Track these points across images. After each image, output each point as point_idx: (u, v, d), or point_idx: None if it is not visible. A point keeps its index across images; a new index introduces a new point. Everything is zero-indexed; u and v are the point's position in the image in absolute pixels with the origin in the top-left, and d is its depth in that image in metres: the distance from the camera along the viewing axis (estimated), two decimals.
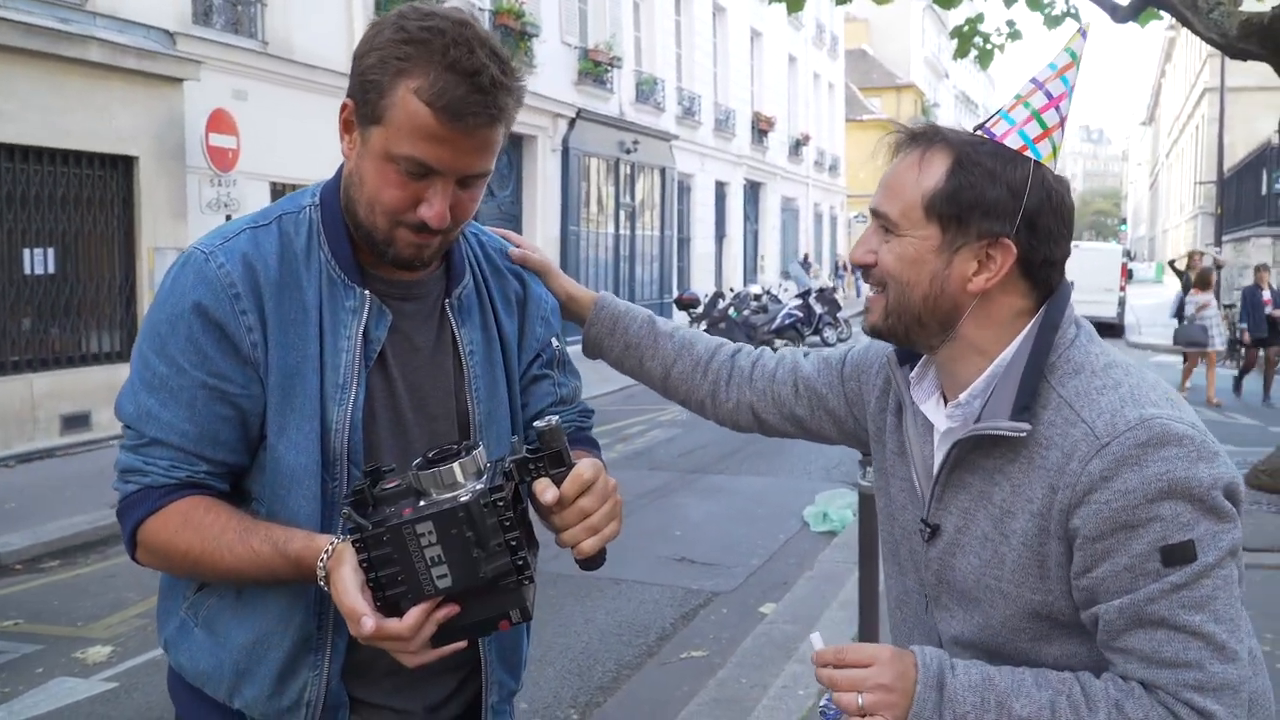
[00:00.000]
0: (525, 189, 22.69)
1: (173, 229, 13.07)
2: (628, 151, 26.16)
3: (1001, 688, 1.55)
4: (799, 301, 23.84)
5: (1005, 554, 1.61)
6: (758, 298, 23.26)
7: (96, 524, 8.67)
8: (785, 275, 36.76)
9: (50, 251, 11.89)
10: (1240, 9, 9.44)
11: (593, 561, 1.71)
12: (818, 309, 24.78)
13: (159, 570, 1.89)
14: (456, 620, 1.60)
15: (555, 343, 2.14)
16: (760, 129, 36.81)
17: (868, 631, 5.66)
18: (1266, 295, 17.02)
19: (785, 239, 41.52)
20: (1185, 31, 15.51)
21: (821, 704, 1.80)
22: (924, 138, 1.69)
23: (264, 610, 1.83)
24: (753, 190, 37.71)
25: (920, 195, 1.64)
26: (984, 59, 13.49)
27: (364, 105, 1.73)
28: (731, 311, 21.77)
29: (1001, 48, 13.47)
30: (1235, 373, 18.18)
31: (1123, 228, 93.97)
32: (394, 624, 1.55)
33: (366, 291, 1.83)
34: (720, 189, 34.09)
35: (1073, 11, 12.36)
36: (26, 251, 11.64)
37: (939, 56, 70.09)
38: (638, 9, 28.00)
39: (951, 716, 1.54)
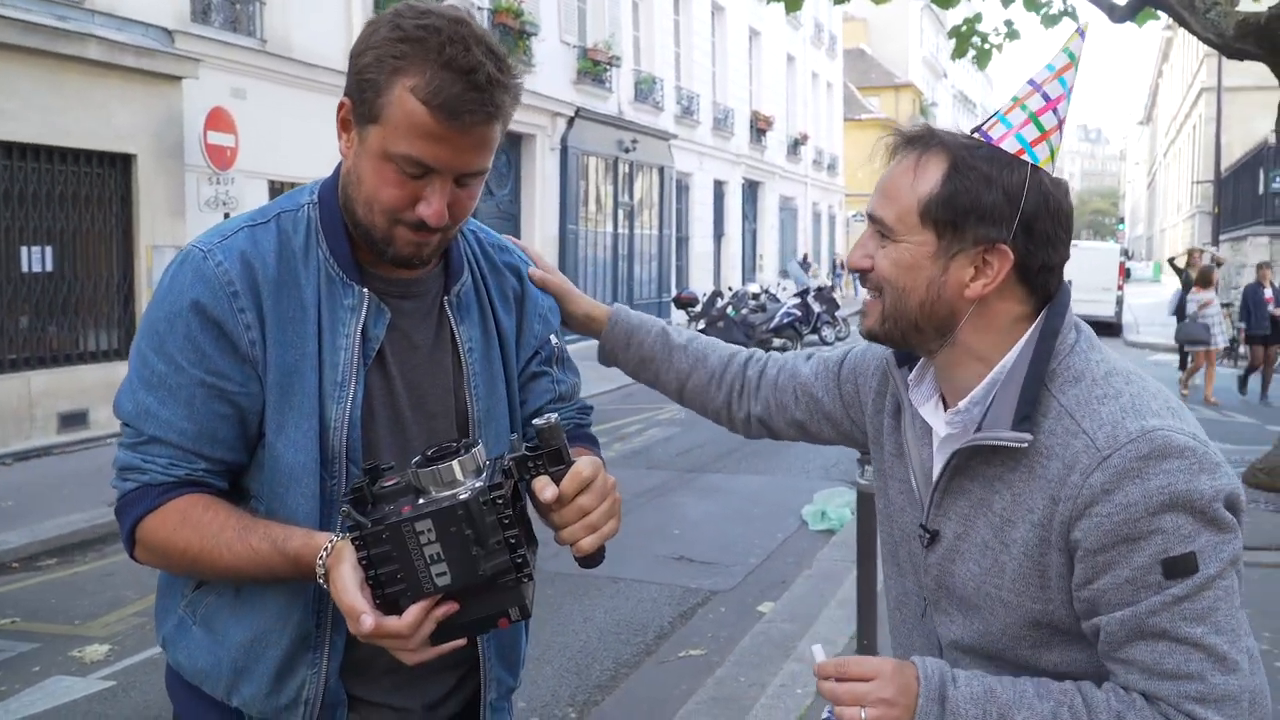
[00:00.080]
0: (524, 188, 22.69)
1: (171, 227, 13.07)
2: (626, 150, 26.16)
3: (1003, 700, 1.54)
4: (797, 300, 23.84)
5: (1005, 563, 1.61)
6: (756, 297, 23.26)
7: (94, 522, 8.67)
8: (783, 274, 36.79)
9: (48, 249, 11.88)
10: (1237, 9, 9.44)
11: (592, 559, 1.71)
12: (816, 308, 24.79)
13: (157, 568, 1.89)
14: (456, 618, 1.60)
15: (554, 339, 2.13)
16: (759, 128, 36.81)
17: (866, 630, 5.66)
18: (1268, 293, 16.95)
19: (783, 238, 41.52)
20: (1182, 31, 15.51)
21: (824, 716, 1.80)
22: (920, 141, 1.67)
23: (262, 608, 1.83)
24: (751, 189, 37.71)
25: (916, 201, 1.63)
26: (982, 59, 13.50)
27: (361, 104, 1.72)
28: (730, 310, 21.78)
29: (999, 47, 13.48)
30: (1233, 371, 18.19)
31: (1120, 227, 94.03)
32: (393, 622, 1.55)
33: (365, 289, 1.83)
34: (718, 188, 34.09)
35: (1070, 11, 12.38)
36: (24, 249, 11.63)
37: (937, 56, 70.10)
38: (636, 8, 27.99)
39: None
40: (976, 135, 1.66)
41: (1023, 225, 1.59)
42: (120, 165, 12.61)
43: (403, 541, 1.54)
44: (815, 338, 25.09)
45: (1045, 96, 1.65)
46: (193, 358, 1.75)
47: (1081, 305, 26.87)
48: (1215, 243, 28.18)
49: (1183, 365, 18.41)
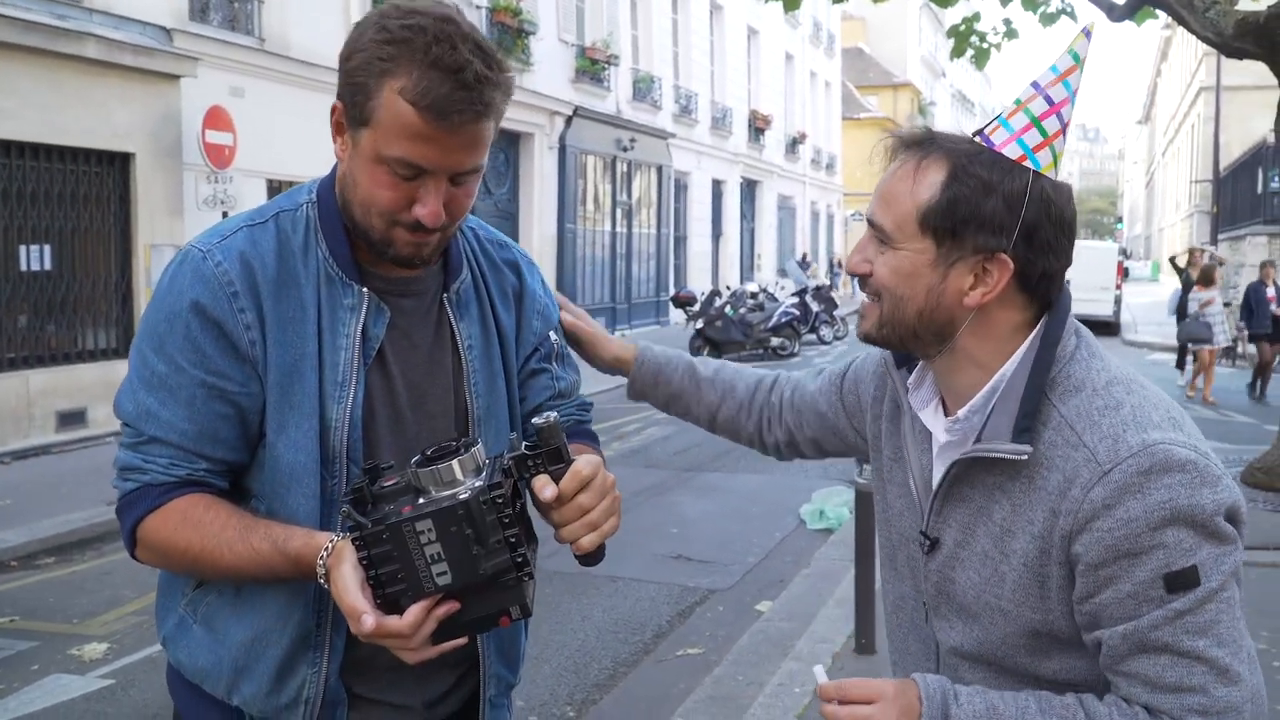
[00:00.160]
0: (522, 187, 22.68)
1: (169, 226, 13.06)
2: (624, 149, 26.16)
3: (1006, 717, 1.54)
4: (795, 300, 23.82)
5: (1005, 573, 1.60)
6: (754, 296, 23.20)
7: (92, 521, 8.67)
8: (782, 273, 36.78)
9: (47, 248, 11.87)
10: (1236, 8, 9.44)
11: (592, 557, 1.71)
12: (814, 307, 24.80)
13: (158, 568, 1.89)
14: (456, 617, 1.60)
15: (553, 336, 2.13)
16: (757, 127, 36.81)
17: (864, 629, 5.67)
18: (1271, 292, 16.87)
19: (782, 237, 41.53)
20: (1181, 30, 15.53)
21: None
22: (919, 145, 1.64)
23: (263, 607, 1.83)
24: (749, 188, 37.71)
25: (914, 208, 1.60)
26: (980, 59, 13.51)
27: (352, 108, 1.72)
28: (728, 310, 21.73)
29: (998, 47, 13.49)
30: (1231, 370, 18.15)
31: (1119, 226, 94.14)
32: (394, 621, 1.55)
33: (364, 289, 1.83)
34: (717, 187, 34.09)
35: (1068, 10, 12.39)
36: (23, 248, 11.62)
37: (936, 55, 70.10)
38: (635, 7, 27.99)
39: None
40: (978, 139, 1.63)
41: (1023, 234, 1.57)
42: (119, 164, 12.60)
43: (403, 541, 1.55)
44: (813, 337, 25.11)
45: (1049, 100, 1.62)
46: (193, 358, 1.75)
47: (1080, 304, 26.28)
48: (1214, 242, 28.18)
49: (1180, 365, 18.40)
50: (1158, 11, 10.59)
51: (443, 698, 1.99)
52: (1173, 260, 22.56)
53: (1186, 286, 18.02)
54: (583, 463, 1.68)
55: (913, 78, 63.01)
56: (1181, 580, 1.45)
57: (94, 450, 11.53)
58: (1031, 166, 1.58)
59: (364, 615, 1.54)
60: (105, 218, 12.54)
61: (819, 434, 2.17)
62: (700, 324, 21.34)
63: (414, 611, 1.56)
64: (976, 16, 13.30)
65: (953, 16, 13.22)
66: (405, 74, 1.64)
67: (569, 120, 23.55)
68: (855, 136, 50.48)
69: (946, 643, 1.74)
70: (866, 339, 1.73)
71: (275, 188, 14.73)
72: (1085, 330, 1.68)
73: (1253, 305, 16.73)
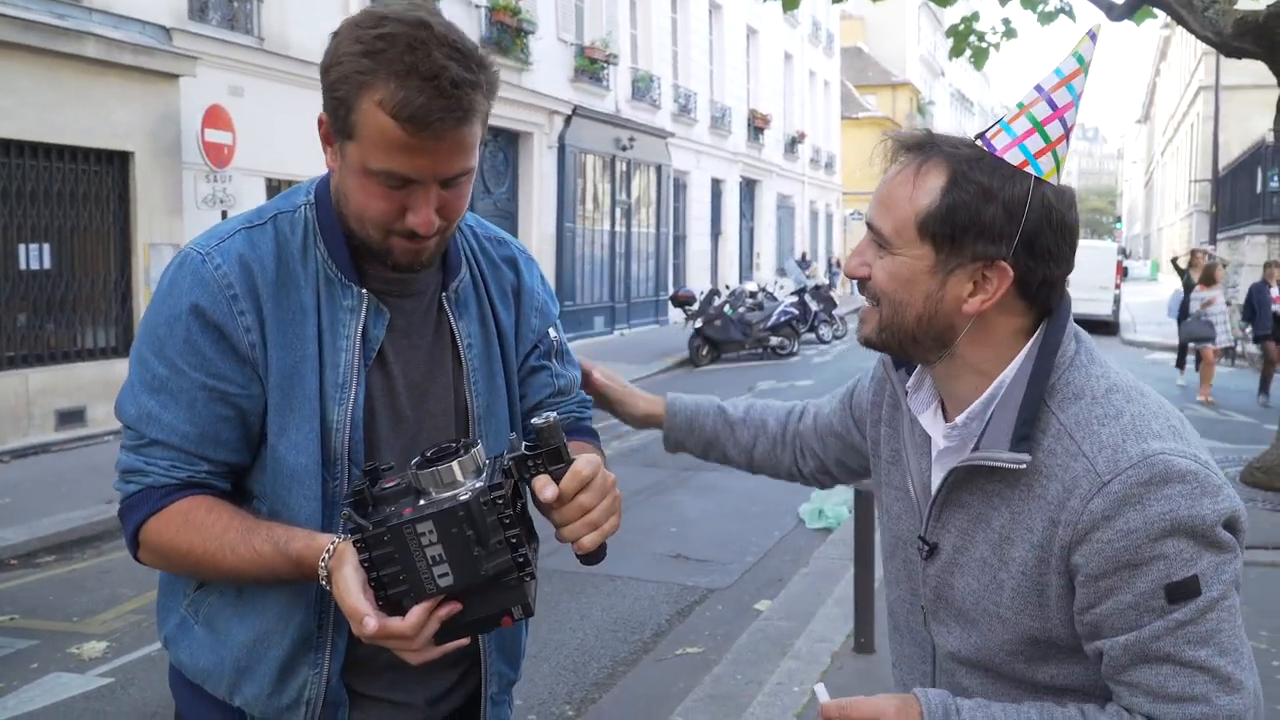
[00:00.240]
0: (521, 186, 22.68)
1: (168, 225, 13.06)
2: (623, 149, 26.15)
3: None
4: (794, 299, 23.81)
5: (1004, 580, 1.60)
6: (753, 295, 23.19)
7: (92, 519, 8.67)
8: (781, 272, 36.78)
9: (46, 247, 11.87)
10: (1235, 7, 9.45)
11: (593, 556, 1.71)
12: (813, 306, 24.78)
13: (161, 570, 1.89)
14: (459, 617, 1.61)
15: (553, 333, 2.13)
16: (756, 126, 36.80)
17: (863, 629, 5.67)
18: (1276, 293, 16.77)
19: (781, 236, 41.52)
20: (1180, 30, 15.54)
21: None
22: (920, 149, 1.63)
23: (264, 609, 1.83)
24: (748, 187, 37.71)
25: (913, 213, 1.59)
26: (979, 59, 13.51)
27: (336, 121, 1.71)
28: (727, 309, 21.71)
29: (997, 46, 13.49)
30: (1230, 370, 18.10)
31: (1118, 225, 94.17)
32: (396, 623, 1.56)
33: (364, 290, 1.83)
34: (716, 186, 34.08)
35: (1066, 9, 12.39)
36: (22, 247, 11.62)
37: (934, 54, 70.10)
38: (634, 6, 27.98)
39: None
40: (979, 143, 1.61)
41: (1023, 241, 1.55)
42: (118, 163, 12.60)
43: (404, 543, 1.55)
44: (812, 336, 25.10)
45: (1052, 104, 1.59)
46: (193, 361, 1.75)
47: (1079, 304, 26.30)
48: (1213, 241, 28.19)
49: (1180, 364, 18.37)
50: (1157, 11, 10.59)
51: (444, 695, 1.99)
52: (1174, 262, 22.53)
53: (1188, 288, 17.97)
54: (583, 462, 1.68)
55: (912, 77, 63.02)
56: (1182, 590, 1.45)
57: (93, 449, 11.53)
58: (1033, 173, 1.56)
59: (366, 618, 1.54)
60: (104, 217, 12.54)
61: (841, 454, 2.18)
62: (699, 323, 21.33)
63: (416, 613, 1.56)
64: (975, 16, 13.30)
65: (952, 16, 13.24)
66: (383, 86, 1.62)
67: (568, 119, 23.55)
68: (854, 136, 50.49)
69: (944, 647, 1.73)
70: (866, 343, 1.72)
71: (274, 187, 14.73)
72: (1085, 335, 1.67)
73: (1255, 306, 16.63)
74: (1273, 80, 9.45)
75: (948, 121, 77.25)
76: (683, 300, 22.45)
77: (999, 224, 1.55)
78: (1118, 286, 29.51)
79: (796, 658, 5.63)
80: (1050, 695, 1.62)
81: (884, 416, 1.92)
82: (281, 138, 14.37)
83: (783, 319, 22.35)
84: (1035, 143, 1.57)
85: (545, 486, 1.64)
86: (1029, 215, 1.55)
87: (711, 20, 33.32)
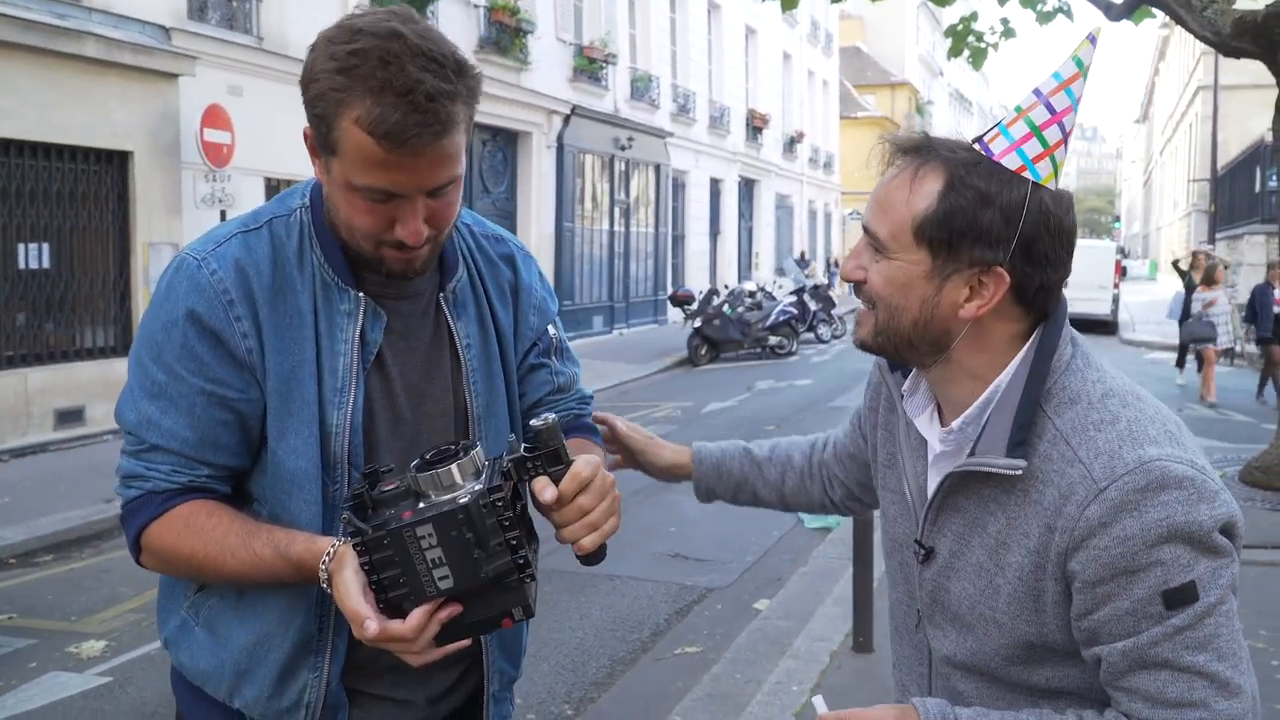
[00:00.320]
0: (520, 185, 22.68)
1: (167, 224, 13.06)
2: (622, 148, 26.16)
3: None
4: (793, 299, 23.80)
5: (1000, 585, 1.59)
6: (752, 294, 23.19)
7: (90, 519, 8.67)
8: (780, 272, 36.77)
9: (45, 246, 11.87)
10: (1234, 7, 9.46)
11: (593, 557, 1.72)
12: (812, 306, 24.78)
13: (163, 574, 1.90)
14: (459, 619, 1.61)
15: (551, 330, 2.13)
16: (755, 126, 36.80)
17: (861, 628, 5.68)
18: (1279, 294, 16.70)
19: (780, 236, 41.52)
20: (1179, 29, 15.54)
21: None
22: (917, 152, 1.61)
23: (265, 611, 1.84)
24: (747, 187, 37.71)
25: (910, 218, 1.57)
26: (977, 59, 13.53)
27: (319, 136, 1.70)
28: (726, 308, 21.72)
29: (995, 46, 13.51)
30: (1229, 369, 18.07)
31: (1117, 225, 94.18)
32: (397, 626, 1.56)
33: (361, 294, 1.83)
34: (715, 186, 34.09)
35: (1064, 9, 12.40)
36: (21, 246, 11.63)
37: (933, 54, 70.11)
38: (633, 6, 27.98)
39: None
40: (977, 146, 1.59)
41: (1020, 247, 1.54)
42: (117, 162, 12.60)
43: (404, 547, 1.55)
44: (811, 335, 25.10)
45: (1050, 108, 1.57)
46: (191, 366, 1.75)
47: (1078, 303, 26.86)
48: (1212, 241, 28.18)
49: (1180, 363, 18.34)
50: (1155, 10, 10.60)
51: (445, 694, 2.00)
52: (1175, 264, 22.49)
53: (1189, 289, 17.94)
54: (582, 464, 1.68)
55: (910, 77, 63.05)
56: (1180, 596, 1.44)
57: (92, 448, 11.53)
58: (1031, 178, 1.55)
59: (367, 621, 1.55)
60: (104, 216, 12.54)
61: (860, 475, 2.17)
62: (698, 323, 21.34)
63: (416, 616, 1.56)
64: (974, 16, 13.32)
65: (950, 16, 13.25)
66: (359, 103, 1.60)
67: (567, 119, 23.55)
68: (853, 135, 50.49)
69: (939, 651, 1.73)
70: (862, 346, 1.71)
71: (274, 186, 14.74)
72: (1081, 339, 1.66)
73: (1258, 308, 16.56)
74: (1271, 80, 9.46)
75: (946, 121, 77.28)
76: (681, 300, 22.45)
77: (996, 229, 1.54)
78: (1116, 286, 29.52)
79: (795, 657, 5.63)
80: (1045, 698, 1.62)
81: (880, 420, 1.92)
82: (280, 137, 14.35)
83: (781, 318, 22.35)
84: (1033, 147, 1.56)
85: (544, 488, 1.65)
86: (1026, 221, 1.54)
87: (710, 20, 33.32)
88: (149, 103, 12.70)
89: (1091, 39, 1.61)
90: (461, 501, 1.56)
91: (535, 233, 22.43)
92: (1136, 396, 1.59)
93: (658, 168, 29.03)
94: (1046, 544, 1.52)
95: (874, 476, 1.94)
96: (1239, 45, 9.34)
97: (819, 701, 1.64)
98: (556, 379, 2.12)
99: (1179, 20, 9.80)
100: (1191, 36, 10.69)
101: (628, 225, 27.56)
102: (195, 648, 1.88)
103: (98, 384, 12.14)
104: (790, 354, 22.28)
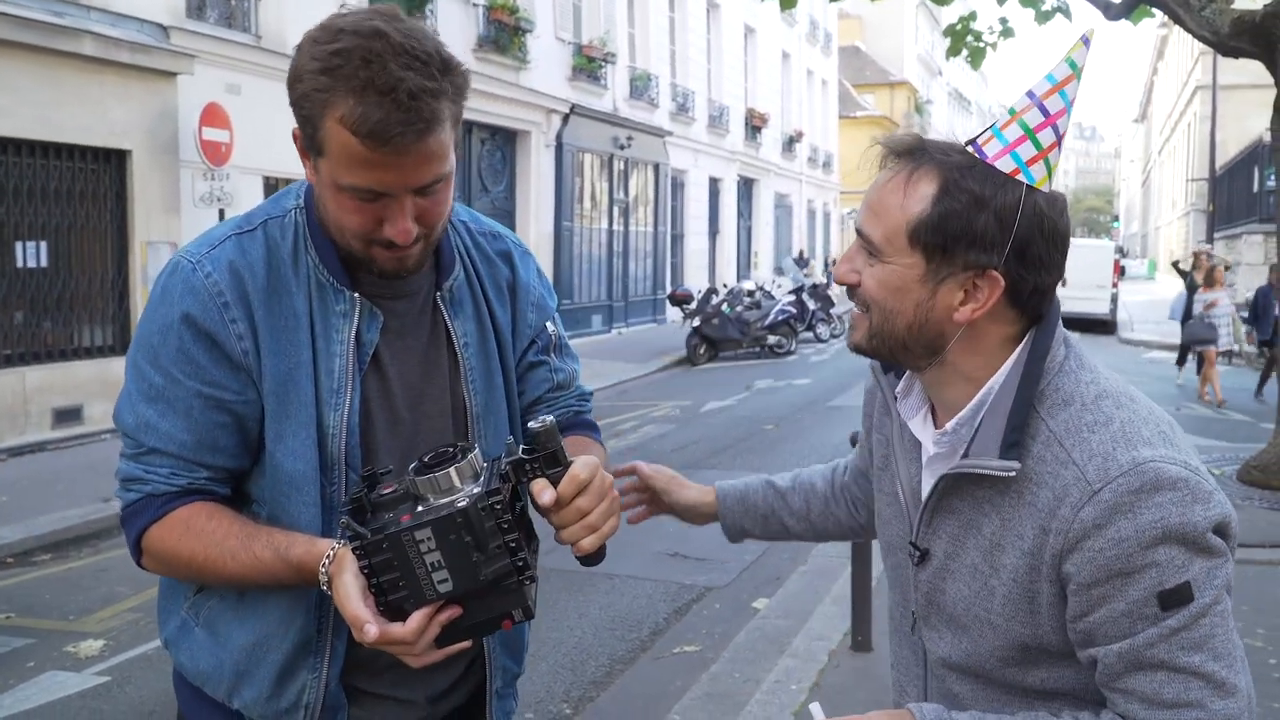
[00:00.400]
0: (518, 184, 22.68)
1: (165, 223, 13.06)
2: (621, 147, 26.16)
3: None
4: (792, 298, 23.80)
5: (995, 587, 1.59)
6: (751, 294, 23.19)
7: (88, 518, 8.67)
8: (779, 271, 36.78)
9: (43, 245, 11.87)
10: (1232, 6, 9.46)
11: (592, 558, 1.71)
12: (811, 305, 24.76)
13: (164, 576, 1.90)
14: (459, 621, 1.61)
15: (550, 327, 2.12)
16: (754, 125, 36.81)
17: (860, 627, 5.68)
18: None
19: (779, 235, 41.53)
20: (1178, 29, 15.54)
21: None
22: (910, 155, 1.60)
23: (264, 612, 1.84)
24: (746, 186, 37.71)
25: (904, 221, 1.57)
26: (975, 58, 13.53)
27: (306, 137, 1.71)
28: (725, 308, 21.72)
29: (994, 46, 13.51)
30: (1228, 369, 18.06)
31: (1115, 224, 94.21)
32: (397, 629, 1.56)
33: (356, 294, 1.83)
34: (714, 185, 34.10)
35: (1063, 8, 12.41)
36: (19, 245, 11.62)
37: (932, 53, 70.12)
38: (632, 5, 27.98)
39: None
40: (970, 149, 1.59)
41: (1015, 250, 1.54)
42: (115, 161, 12.59)
43: (403, 550, 1.55)
44: (810, 335, 25.11)
45: (1044, 111, 1.57)
46: (187, 369, 1.76)
47: (1076, 303, 26.94)
48: (1210, 240, 28.19)
49: (1180, 362, 18.33)
50: (1154, 10, 10.60)
51: (447, 692, 2.00)
52: (1176, 265, 22.46)
53: (1191, 289, 17.92)
54: (580, 465, 1.67)
55: (909, 76, 63.08)
56: (1175, 597, 1.44)
57: (90, 447, 11.52)
58: (1025, 180, 1.54)
59: (367, 625, 1.54)
60: (101, 215, 12.53)
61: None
62: (697, 322, 21.35)
63: (416, 619, 1.56)
64: (973, 15, 13.32)
65: (949, 15, 13.27)
66: (342, 103, 1.60)
67: (566, 118, 23.55)
68: (852, 135, 50.49)
69: (934, 653, 1.73)
70: (857, 350, 1.71)
71: (272, 185, 14.73)
72: (1074, 340, 1.66)
73: (1259, 310, 16.52)
74: (1269, 80, 9.46)
75: (945, 121, 77.30)
76: (680, 299, 22.45)
77: (991, 233, 1.54)
78: (1115, 285, 29.55)
79: (794, 656, 5.63)
80: (1040, 699, 1.62)
81: (875, 424, 1.92)
82: (279, 136, 14.16)
83: (780, 318, 22.35)
84: (1027, 150, 1.56)
85: (543, 491, 1.64)
86: (1021, 224, 1.53)
87: (709, 19, 33.33)
88: (147, 101, 12.70)
89: (1085, 40, 1.61)
90: (460, 505, 1.55)
91: (534, 232, 22.43)
92: (1130, 397, 1.59)
93: (657, 167, 29.04)
94: (1041, 546, 1.52)
95: (871, 481, 1.94)
96: (1237, 45, 9.35)
97: (816, 709, 1.63)
98: (556, 376, 2.11)
99: (1177, 20, 9.80)
100: (1190, 36, 10.69)
101: (627, 224, 27.56)
102: (195, 648, 1.88)
103: (95, 383, 12.14)
104: (789, 353, 22.29)
